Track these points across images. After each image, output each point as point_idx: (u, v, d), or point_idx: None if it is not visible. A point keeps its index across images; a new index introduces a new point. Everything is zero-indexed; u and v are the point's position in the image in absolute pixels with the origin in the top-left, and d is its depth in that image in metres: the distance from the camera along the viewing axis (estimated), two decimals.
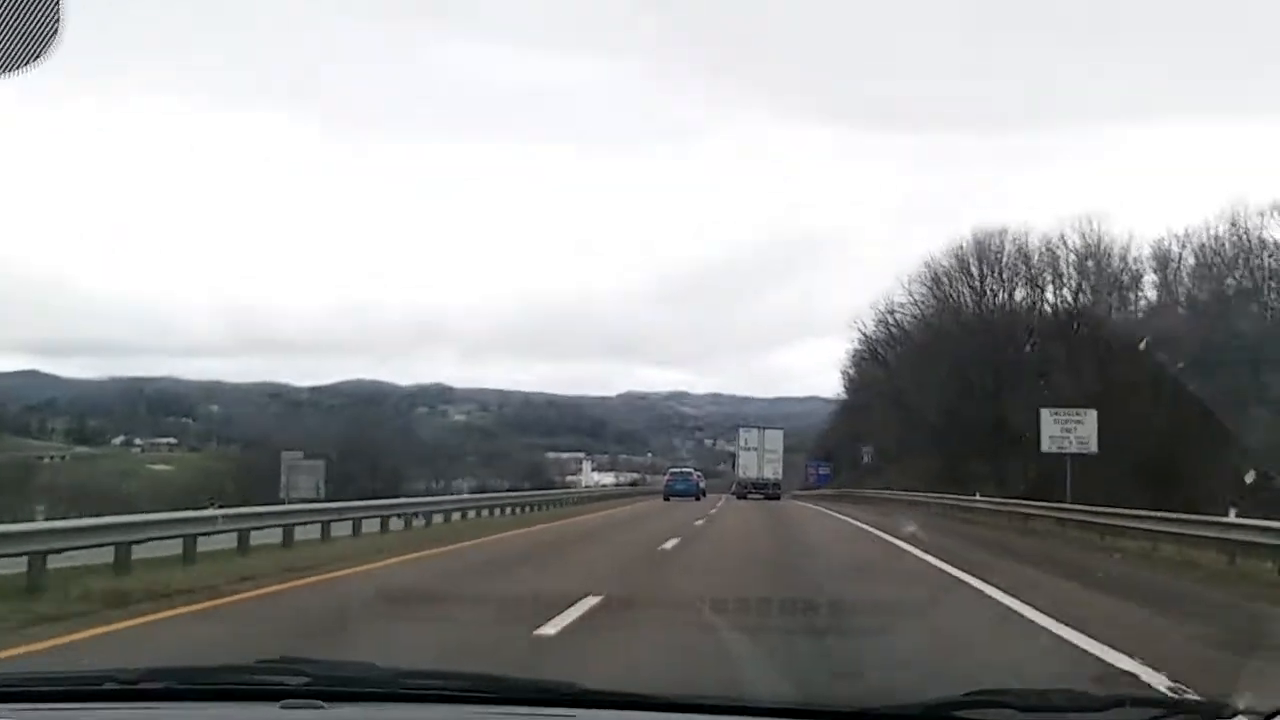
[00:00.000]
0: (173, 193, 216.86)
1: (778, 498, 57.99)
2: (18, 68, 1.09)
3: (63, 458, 52.21)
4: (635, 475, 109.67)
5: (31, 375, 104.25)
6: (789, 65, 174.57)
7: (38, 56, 1.19)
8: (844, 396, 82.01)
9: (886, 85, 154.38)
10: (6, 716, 1.54)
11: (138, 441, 71.80)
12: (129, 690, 2.21)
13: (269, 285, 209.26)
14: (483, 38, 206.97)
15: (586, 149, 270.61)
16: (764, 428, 67.47)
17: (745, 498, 57.72)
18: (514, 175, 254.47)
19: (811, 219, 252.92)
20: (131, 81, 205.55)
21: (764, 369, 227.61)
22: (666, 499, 54.61)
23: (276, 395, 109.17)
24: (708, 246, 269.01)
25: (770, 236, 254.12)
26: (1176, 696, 4.89)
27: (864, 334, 68.08)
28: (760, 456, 62.92)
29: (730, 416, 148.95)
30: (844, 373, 78.04)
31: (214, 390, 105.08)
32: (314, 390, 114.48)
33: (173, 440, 68.99)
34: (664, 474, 69.60)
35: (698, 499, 55.16)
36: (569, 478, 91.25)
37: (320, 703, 2.08)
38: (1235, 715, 2.36)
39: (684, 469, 68.53)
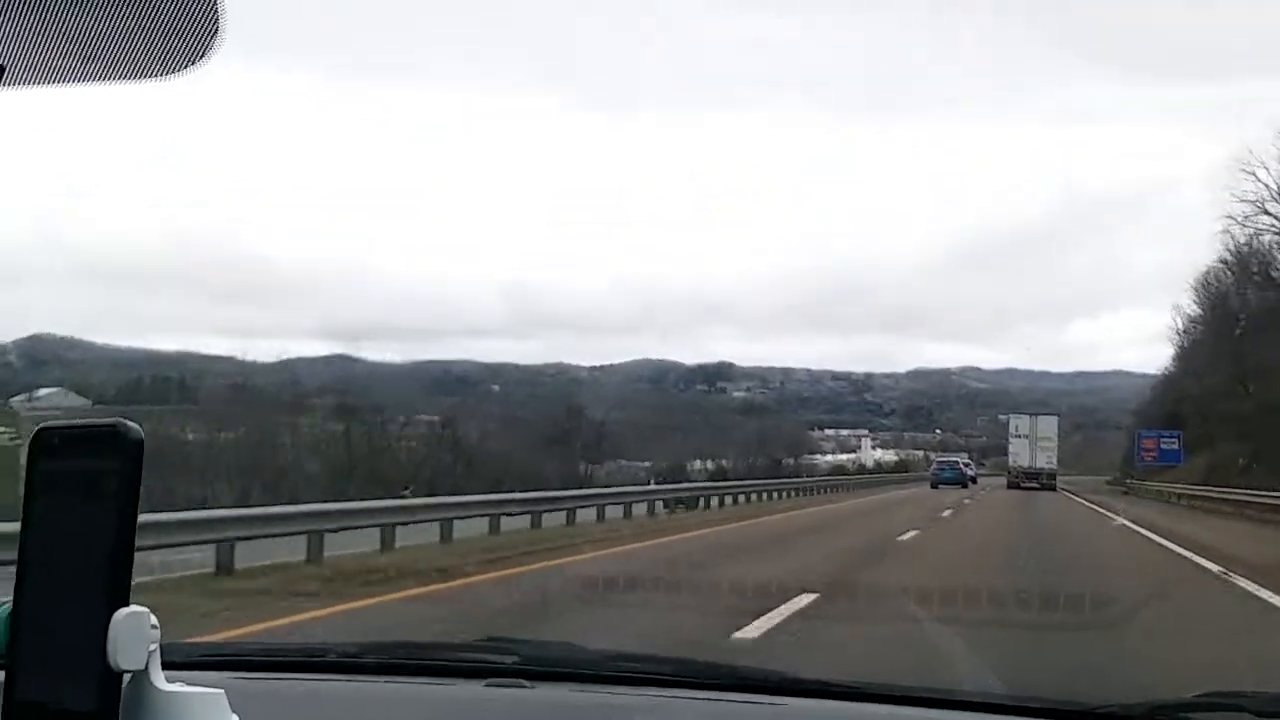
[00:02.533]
0: (462, 179, 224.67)
1: (1053, 488, 55.07)
2: (178, 70, 1.15)
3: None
4: (912, 453, 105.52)
5: (341, 359, 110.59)
6: (1089, 15, 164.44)
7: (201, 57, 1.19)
8: (1168, 369, 71.50)
9: (1191, 33, 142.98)
10: (237, 684, 1.56)
11: (400, 419, 73.71)
12: (348, 663, 2.32)
13: (558, 268, 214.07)
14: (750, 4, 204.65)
15: (867, 117, 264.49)
16: (1036, 414, 64.75)
17: (1019, 487, 55.39)
18: (794, 147, 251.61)
19: (1115, 180, 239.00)
20: (425, 76, 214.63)
21: (1062, 342, 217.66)
22: (934, 486, 56.00)
23: (559, 374, 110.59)
24: (999, 214, 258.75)
25: (1069, 201, 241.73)
26: None
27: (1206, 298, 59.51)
28: (1033, 444, 60.08)
29: (1026, 391, 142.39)
30: (1179, 338, 66.62)
31: (499, 371, 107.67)
32: (594, 370, 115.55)
33: (433, 418, 70.26)
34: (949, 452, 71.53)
35: (965, 486, 56.41)
36: (845, 456, 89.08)
37: (525, 682, 2.09)
38: None
39: (951, 458, 71.56)
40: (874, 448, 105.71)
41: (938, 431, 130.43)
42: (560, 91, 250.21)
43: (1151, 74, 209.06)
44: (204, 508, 20.27)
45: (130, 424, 1.15)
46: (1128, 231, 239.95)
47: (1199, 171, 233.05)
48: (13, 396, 36.75)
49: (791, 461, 65.79)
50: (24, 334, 36.16)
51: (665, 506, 27.86)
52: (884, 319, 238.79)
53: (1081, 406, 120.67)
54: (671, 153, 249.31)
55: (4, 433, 32.12)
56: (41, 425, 1.22)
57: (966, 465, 65.35)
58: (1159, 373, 76.30)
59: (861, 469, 74.80)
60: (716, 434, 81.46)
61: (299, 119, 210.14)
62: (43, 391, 37.47)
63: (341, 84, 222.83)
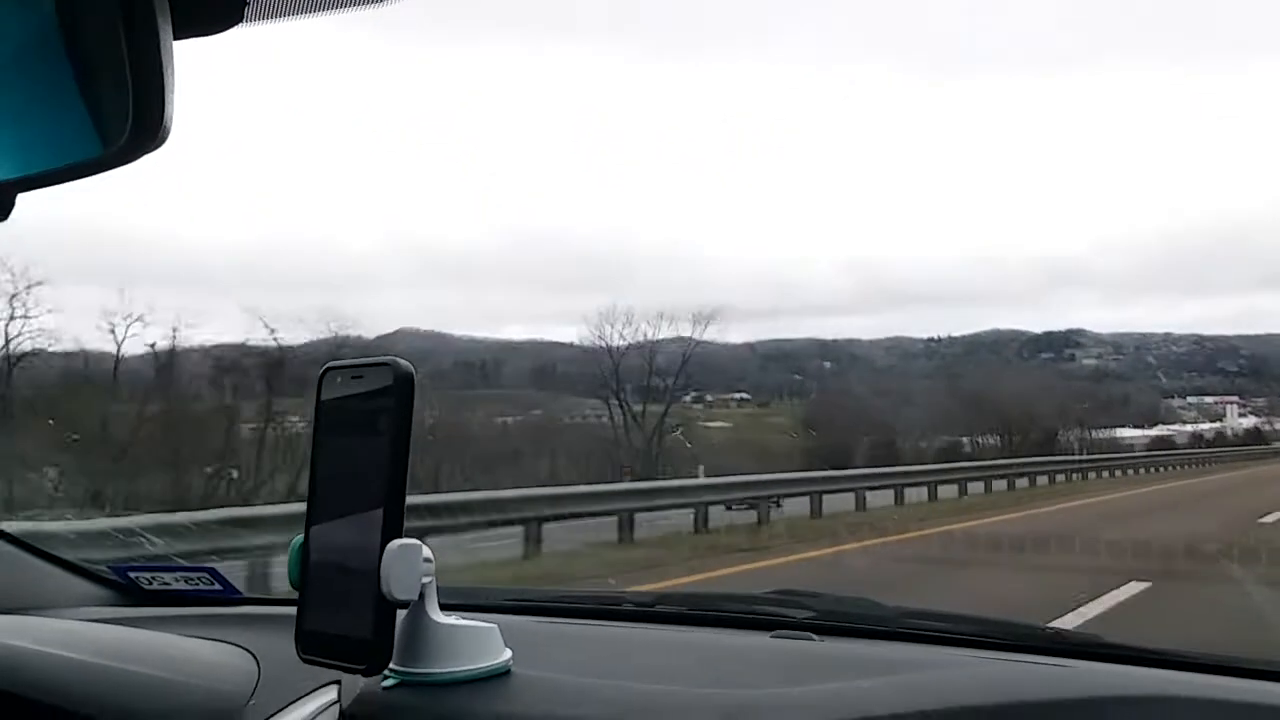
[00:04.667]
0: (801, 156, 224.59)
1: None
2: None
3: (598, 416, 54.97)
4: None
5: (685, 341, 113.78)
6: None
7: None
8: None
9: None
10: (516, 623, 1.60)
11: (708, 398, 74.28)
12: (643, 611, 2.36)
13: (897, 241, 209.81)
14: None
15: (1230, 55, 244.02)
16: None
17: None
18: (1153, 98, 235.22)
19: None
20: (759, 49, 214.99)
21: None
22: None
23: (893, 348, 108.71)
24: None
25: None
26: None
27: None
28: None
29: None
30: None
31: (829, 347, 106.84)
32: (930, 341, 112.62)
33: (744, 395, 70.37)
34: None
35: None
36: (1209, 425, 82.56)
37: (813, 635, 2.07)
38: None
39: None
40: (1242, 416, 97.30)
41: None
42: (896, 59, 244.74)
43: None
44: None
45: (402, 362, 1.22)
46: None
47: None
48: None
49: (1087, 435, 59.74)
50: (389, 330, 38.79)
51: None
52: (1262, 276, 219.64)
53: None
54: (1013, 117, 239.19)
55: None
56: (327, 364, 1.30)
57: None
58: None
59: (1208, 441, 68.21)
60: (1061, 405, 77.76)
61: (625, 101, 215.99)
62: None
63: (663, 63, 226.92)
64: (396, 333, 51.51)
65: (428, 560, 1.24)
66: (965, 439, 54.02)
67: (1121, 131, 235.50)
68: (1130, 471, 35.05)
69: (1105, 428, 70.63)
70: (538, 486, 20.73)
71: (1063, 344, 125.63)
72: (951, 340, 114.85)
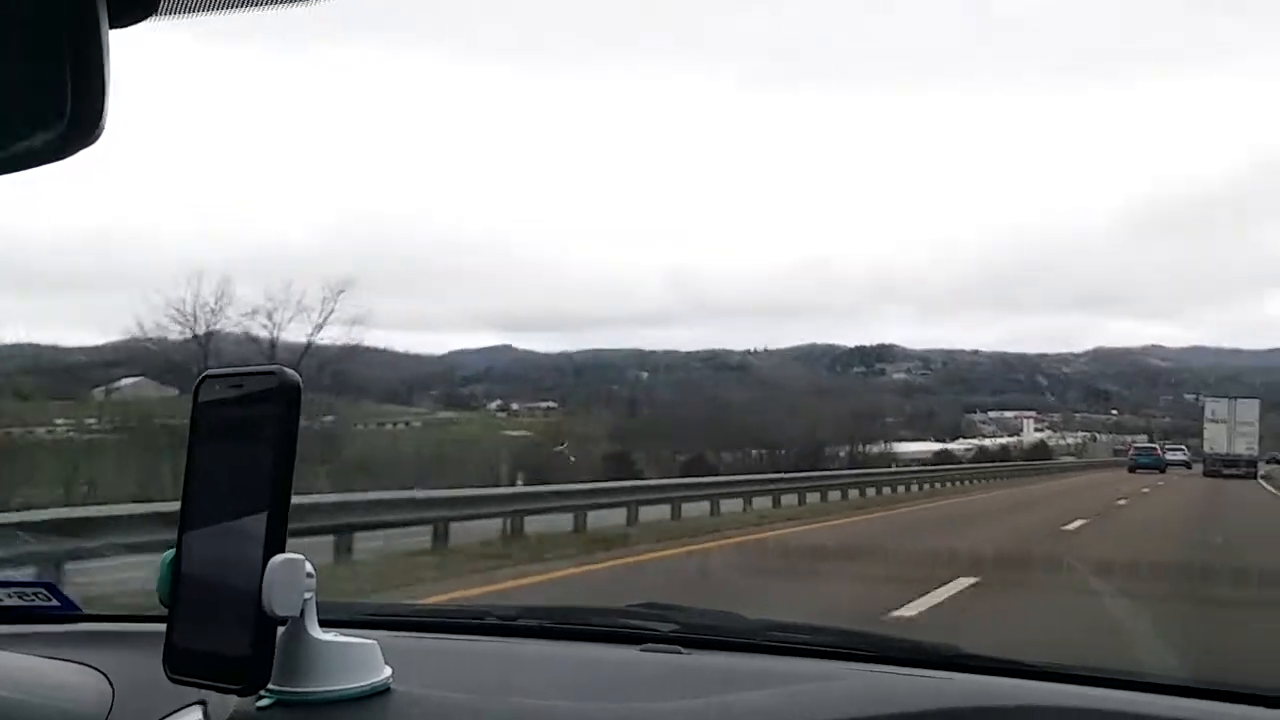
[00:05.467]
0: (623, 165, 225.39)
1: (1253, 475, 51.55)
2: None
3: (406, 423, 53.60)
4: (1084, 435, 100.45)
5: (505, 350, 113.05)
6: None
7: None
8: None
9: None
10: (391, 640, 1.55)
11: (514, 406, 73.87)
12: (505, 625, 2.35)
13: (722, 253, 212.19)
14: None
15: (1043, 87, 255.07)
16: (1235, 397, 61.29)
17: (1219, 475, 51.14)
18: (971, 124, 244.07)
19: None
20: (581, 63, 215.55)
21: (1255, 318, 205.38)
22: (1131, 470, 56.45)
23: (710, 359, 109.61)
24: (1186, 185, 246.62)
25: (1258, 169, 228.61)
26: None
27: None
28: (1231, 430, 56.16)
29: (1212, 369, 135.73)
30: None
31: (648, 358, 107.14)
32: (748, 353, 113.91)
33: (551, 404, 70.06)
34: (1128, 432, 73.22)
35: (1162, 471, 56.75)
36: (1007, 439, 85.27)
37: (681, 648, 2.09)
38: None
39: (1148, 445, 72.46)
40: (1039, 430, 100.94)
41: (1113, 413, 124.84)
42: (721, 72, 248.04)
43: None
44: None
45: (289, 371, 1.19)
46: None
47: None
48: (95, 388, 37.43)
49: (856, 450, 59.82)
50: (123, 336, 36.59)
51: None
52: (1064, 299, 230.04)
53: (1275, 384, 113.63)
54: (840, 131, 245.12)
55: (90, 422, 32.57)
56: (206, 372, 1.26)
57: (1163, 451, 65.74)
58: None
59: (991, 456, 69.24)
60: (871, 418, 79.03)
61: (459, 106, 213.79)
62: (125, 382, 37.93)
63: (495, 71, 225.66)
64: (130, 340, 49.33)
65: (310, 575, 1.20)
66: (754, 452, 53.93)
67: (941, 153, 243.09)
68: (912, 488, 34.18)
69: (898, 440, 71.86)
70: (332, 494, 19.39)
71: (875, 358, 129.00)
72: (768, 353, 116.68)
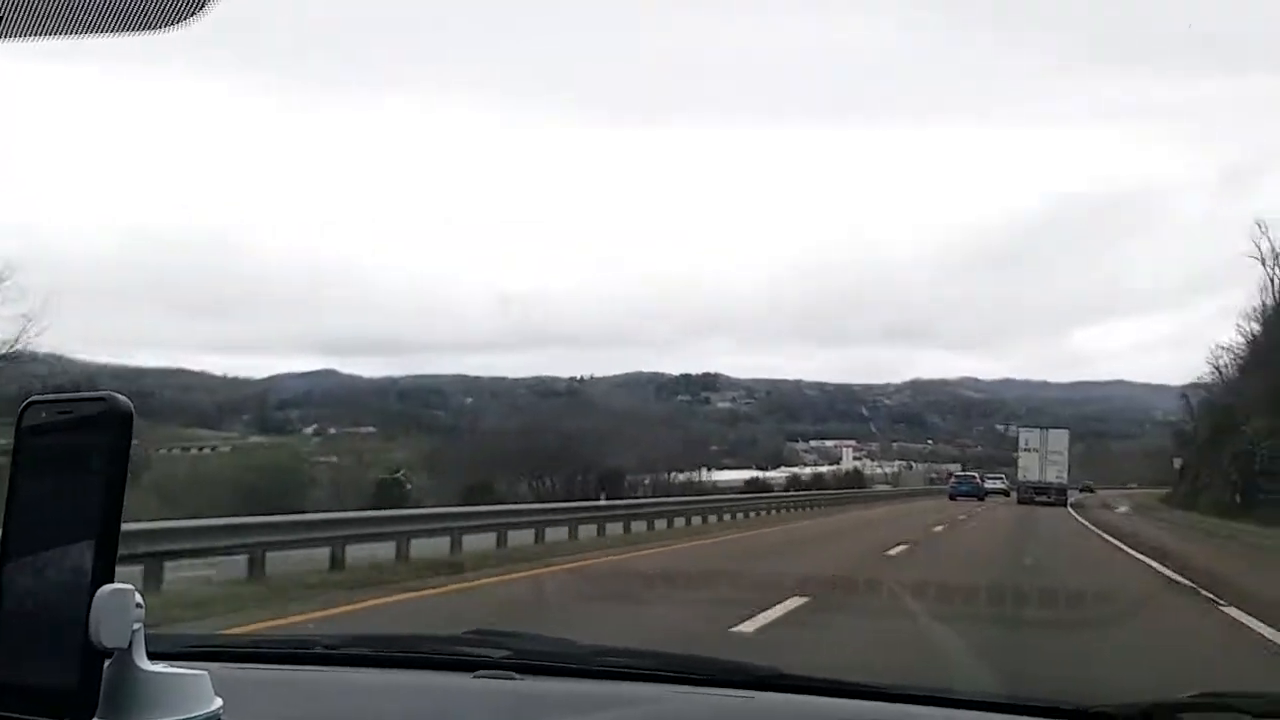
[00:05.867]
0: (452, 191, 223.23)
1: (1064, 503, 52.85)
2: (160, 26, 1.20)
3: (214, 448, 51.65)
4: (900, 464, 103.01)
5: (329, 374, 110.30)
6: (1089, 15, 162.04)
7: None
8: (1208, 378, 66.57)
9: (1194, 31, 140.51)
10: (222, 671, 1.50)
11: (331, 430, 72.16)
12: (336, 654, 2.31)
13: (555, 282, 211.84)
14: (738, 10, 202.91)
15: (866, 123, 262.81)
16: (1046, 427, 63.43)
17: (1032, 502, 53.11)
18: (794, 156, 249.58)
19: (1114, 185, 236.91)
20: (411, 85, 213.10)
21: (1062, 352, 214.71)
22: (952, 498, 58.90)
23: (536, 385, 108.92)
24: (999, 223, 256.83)
25: (1066, 209, 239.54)
26: None
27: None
28: (1042, 458, 57.89)
29: (1023, 401, 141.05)
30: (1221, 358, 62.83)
31: (472, 384, 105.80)
32: (577, 381, 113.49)
33: (370, 429, 68.52)
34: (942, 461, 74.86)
35: (981, 499, 59.43)
36: (827, 467, 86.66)
37: (514, 674, 2.11)
38: None
39: (968, 473, 74.88)
40: (858, 458, 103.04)
41: (929, 442, 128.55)
42: (549, 102, 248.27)
43: (1151, 73, 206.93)
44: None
45: (120, 397, 1.14)
46: (1127, 238, 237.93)
47: (1201, 175, 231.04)
48: None
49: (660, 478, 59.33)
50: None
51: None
52: (883, 331, 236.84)
53: (1080, 416, 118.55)
54: (665, 162, 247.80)
55: None
56: (30, 399, 1.21)
57: (982, 480, 68.10)
58: (1175, 384, 74.05)
59: (804, 484, 69.02)
60: (697, 445, 79.27)
61: (282, 127, 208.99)
62: None
63: (327, 93, 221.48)
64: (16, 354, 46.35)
65: (139, 605, 1.15)
66: (578, 478, 52.97)
67: (765, 186, 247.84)
68: (725, 517, 32.34)
69: (722, 468, 72.02)
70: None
71: (701, 386, 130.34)
72: (595, 380, 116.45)
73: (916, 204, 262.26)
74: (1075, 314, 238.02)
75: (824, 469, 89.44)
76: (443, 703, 1.97)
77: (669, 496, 39.22)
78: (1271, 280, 54.46)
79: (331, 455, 54.08)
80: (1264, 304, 55.10)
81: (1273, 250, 54.75)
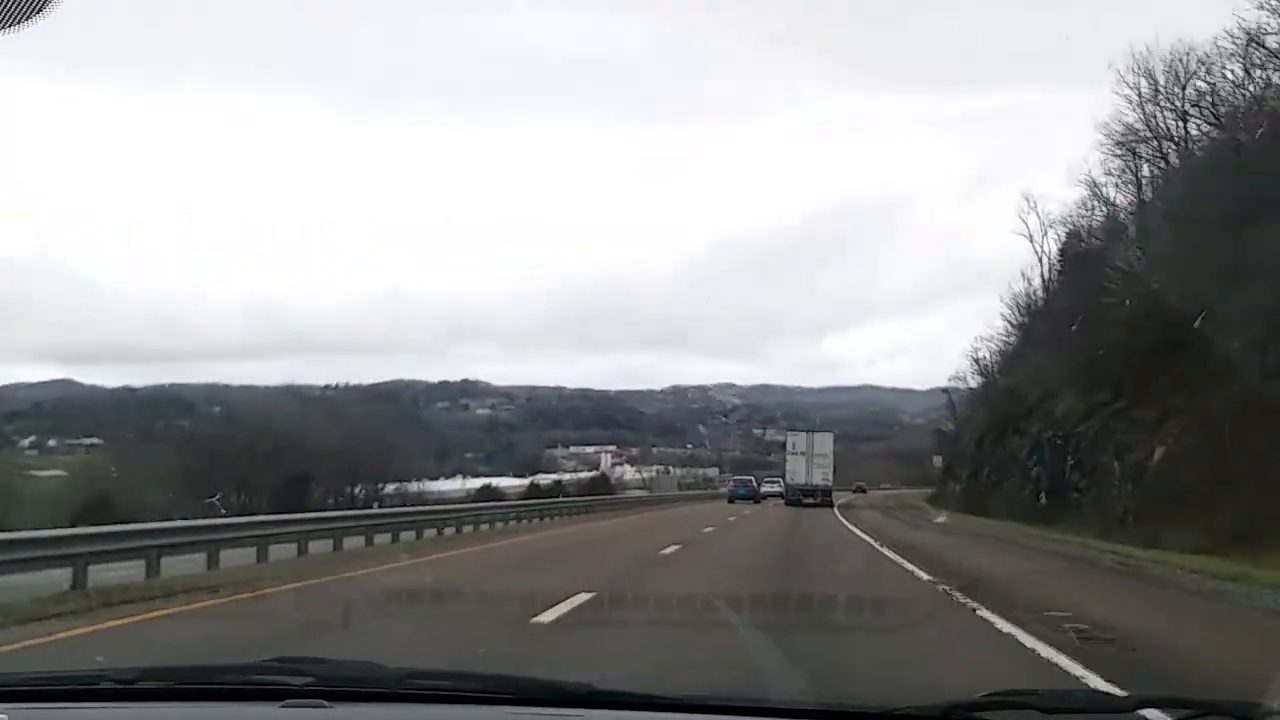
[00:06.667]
0: (198, 192, 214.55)
1: (830, 504, 53.49)
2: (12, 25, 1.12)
3: None
4: (658, 469, 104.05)
5: (65, 384, 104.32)
6: (843, 30, 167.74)
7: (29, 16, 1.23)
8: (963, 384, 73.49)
9: (945, 45, 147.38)
10: (5, 715, 1.51)
11: (50, 443, 68.40)
12: (126, 690, 2.19)
13: (308, 287, 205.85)
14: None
15: (622, 131, 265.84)
16: (812, 431, 64.71)
17: (799, 504, 53.75)
18: (555, 162, 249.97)
19: (866, 199, 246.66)
20: (155, 79, 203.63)
21: (815, 358, 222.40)
22: (731, 501, 62.12)
23: (289, 394, 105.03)
24: (756, 231, 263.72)
25: (819, 220, 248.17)
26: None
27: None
28: (809, 461, 58.35)
29: (780, 406, 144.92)
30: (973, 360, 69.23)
31: (220, 392, 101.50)
32: (330, 389, 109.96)
33: (96, 441, 65.15)
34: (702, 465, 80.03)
35: (757, 501, 62.78)
36: (588, 473, 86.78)
37: (323, 702, 2.03)
38: (1269, 716, 2.34)
39: (745, 477, 77.50)
40: (617, 464, 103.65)
41: (688, 446, 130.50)
42: (307, 100, 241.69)
43: (900, 84, 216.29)
44: None
45: None
46: (876, 247, 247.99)
47: (948, 187, 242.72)
48: None
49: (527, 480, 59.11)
50: None
51: None
52: (641, 338, 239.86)
53: (832, 420, 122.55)
54: (422, 166, 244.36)
55: None
56: None
57: (757, 483, 70.76)
58: (921, 389, 78.71)
59: (545, 491, 66.13)
60: (455, 452, 77.81)
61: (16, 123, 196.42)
62: None
63: (72, 88, 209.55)
64: None
65: None
66: (347, 489, 51.39)
67: (525, 189, 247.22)
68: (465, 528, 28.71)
69: (476, 475, 71.03)
70: None
71: (459, 393, 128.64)
72: (350, 388, 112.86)
73: (668, 211, 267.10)
74: (826, 320, 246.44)
75: (584, 474, 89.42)
76: None
77: (369, 510, 36.18)
78: (1040, 257, 56.94)
79: (57, 470, 50.74)
80: (1045, 278, 56.98)
81: (1040, 224, 57.50)
